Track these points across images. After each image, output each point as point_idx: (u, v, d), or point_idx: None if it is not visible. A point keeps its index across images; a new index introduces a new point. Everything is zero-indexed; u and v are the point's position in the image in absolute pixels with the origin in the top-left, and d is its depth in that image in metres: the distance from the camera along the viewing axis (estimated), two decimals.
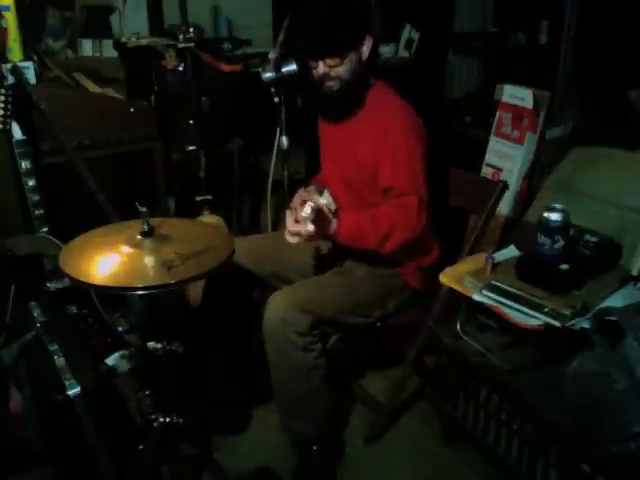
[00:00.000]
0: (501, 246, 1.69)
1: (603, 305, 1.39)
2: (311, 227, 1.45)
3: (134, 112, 2.35)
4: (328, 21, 1.64)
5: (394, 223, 1.63)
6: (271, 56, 2.03)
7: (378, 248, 1.66)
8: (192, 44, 2.54)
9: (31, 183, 1.91)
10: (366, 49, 1.69)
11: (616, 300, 1.42)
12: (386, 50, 3.80)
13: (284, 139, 2.19)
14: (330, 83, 1.69)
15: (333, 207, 1.93)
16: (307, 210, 1.42)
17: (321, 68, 1.67)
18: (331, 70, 1.67)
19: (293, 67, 1.86)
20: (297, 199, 1.72)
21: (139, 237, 1.39)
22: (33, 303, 1.78)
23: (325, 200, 1.82)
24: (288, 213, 1.56)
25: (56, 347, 1.63)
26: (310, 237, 1.49)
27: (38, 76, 2.24)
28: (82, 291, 1.88)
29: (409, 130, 1.68)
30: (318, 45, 1.67)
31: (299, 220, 1.47)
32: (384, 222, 1.63)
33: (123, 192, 2.51)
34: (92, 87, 2.43)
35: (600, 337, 1.25)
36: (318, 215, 1.47)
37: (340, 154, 1.84)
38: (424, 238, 1.79)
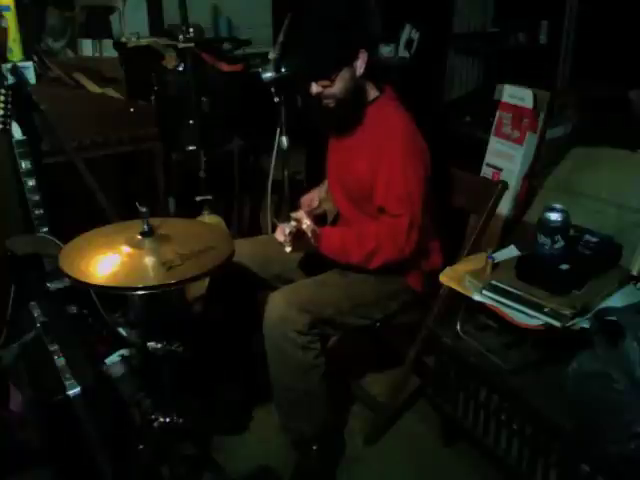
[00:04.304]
0: (501, 246, 1.69)
1: (603, 305, 1.39)
2: (288, 249, 1.59)
3: (134, 112, 2.35)
4: (313, 45, 1.63)
5: (381, 243, 1.66)
6: (271, 56, 2.03)
7: (363, 264, 1.69)
8: (192, 44, 2.54)
9: (31, 183, 1.91)
10: (361, 63, 1.65)
11: (616, 300, 1.42)
12: (386, 50, 3.80)
13: (284, 139, 2.19)
14: (326, 101, 1.68)
15: (334, 212, 1.96)
16: (286, 231, 1.56)
17: (314, 88, 1.66)
18: (324, 89, 1.65)
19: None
20: (305, 201, 1.93)
21: (139, 237, 1.39)
22: (33, 303, 1.78)
23: (327, 205, 1.88)
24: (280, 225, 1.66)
25: (56, 347, 1.63)
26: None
27: (38, 76, 2.24)
28: (82, 291, 1.88)
29: (407, 150, 1.66)
30: (307, 70, 1.66)
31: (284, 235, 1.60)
32: (370, 241, 1.66)
33: (123, 192, 2.52)
34: (92, 87, 2.43)
35: (600, 337, 1.25)
36: (297, 236, 1.58)
37: (340, 166, 1.85)
38: (427, 243, 1.79)
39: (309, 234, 1.61)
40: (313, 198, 2.02)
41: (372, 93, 1.74)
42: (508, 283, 1.46)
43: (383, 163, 1.67)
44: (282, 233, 1.60)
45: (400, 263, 1.73)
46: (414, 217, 1.65)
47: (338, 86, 1.64)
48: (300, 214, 1.64)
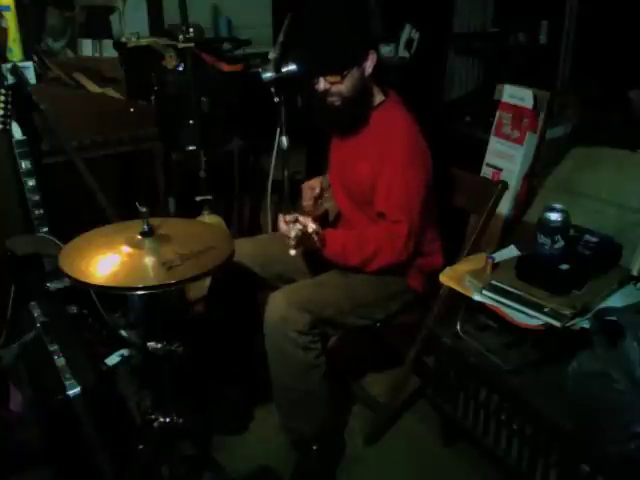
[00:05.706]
0: (501, 246, 1.69)
1: (603, 305, 1.39)
2: (293, 252, 1.58)
3: (134, 112, 2.36)
4: (328, 40, 1.64)
5: (380, 248, 1.66)
6: (271, 56, 2.03)
7: (360, 267, 1.70)
8: (192, 44, 2.54)
9: (31, 183, 1.91)
10: (370, 64, 1.67)
11: (616, 300, 1.42)
12: (386, 50, 3.81)
13: (284, 139, 2.18)
14: (332, 99, 1.68)
15: (335, 211, 1.96)
16: (292, 234, 1.56)
17: (322, 84, 1.67)
18: (332, 86, 1.66)
19: (293, 67, 1.86)
20: (308, 193, 1.94)
21: (139, 237, 1.39)
22: (33, 303, 1.78)
23: (328, 204, 1.87)
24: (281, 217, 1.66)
25: (56, 347, 1.63)
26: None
27: (38, 76, 2.24)
28: (82, 291, 1.88)
29: (410, 156, 1.67)
30: (318, 64, 1.66)
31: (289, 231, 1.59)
32: (370, 245, 1.67)
33: (123, 192, 2.52)
34: (92, 87, 2.43)
35: (600, 337, 1.25)
36: (302, 239, 1.58)
37: (343, 167, 1.85)
38: (429, 244, 1.79)
39: (315, 237, 1.61)
40: (315, 186, 1.98)
41: (378, 97, 1.75)
42: (508, 283, 1.46)
43: (385, 167, 1.67)
44: (284, 222, 1.61)
45: (400, 265, 1.73)
46: (413, 223, 1.66)
47: (347, 84, 1.65)
48: (306, 220, 1.64)
